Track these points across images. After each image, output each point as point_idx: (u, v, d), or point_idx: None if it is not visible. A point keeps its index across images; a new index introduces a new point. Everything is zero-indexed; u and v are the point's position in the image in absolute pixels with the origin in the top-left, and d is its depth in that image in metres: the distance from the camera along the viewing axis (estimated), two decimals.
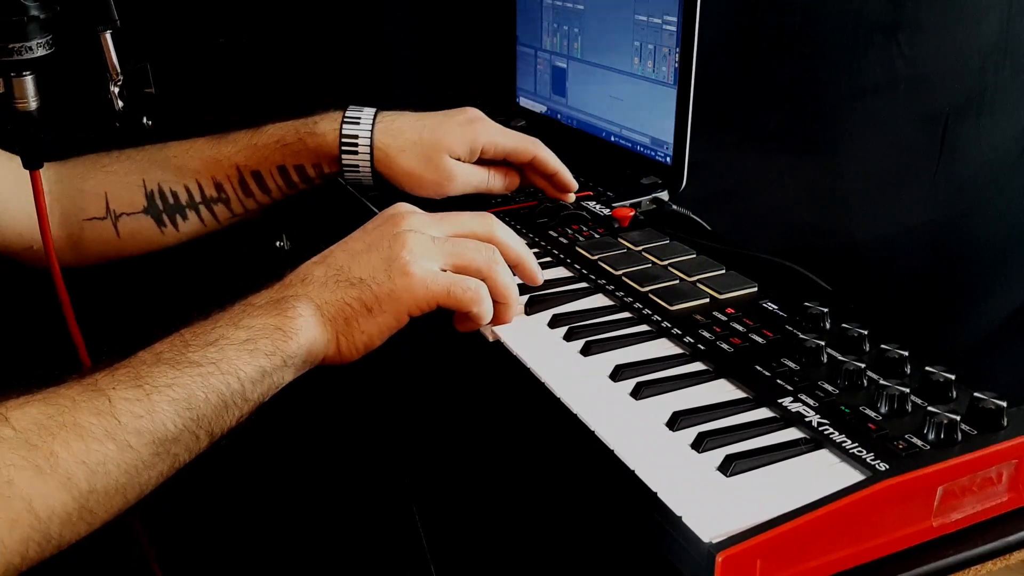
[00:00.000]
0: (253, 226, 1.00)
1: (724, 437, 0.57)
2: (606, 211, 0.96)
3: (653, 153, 1.03)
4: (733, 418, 0.60)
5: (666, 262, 0.82)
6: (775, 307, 0.74)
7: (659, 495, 0.53)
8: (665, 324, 0.72)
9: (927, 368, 0.61)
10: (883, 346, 0.64)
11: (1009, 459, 0.55)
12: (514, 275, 0.74)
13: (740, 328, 0.71)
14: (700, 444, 0.57)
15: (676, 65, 0.96)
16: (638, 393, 0.63)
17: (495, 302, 0.71)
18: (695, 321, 0.72)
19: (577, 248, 0.87)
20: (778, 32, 1.37)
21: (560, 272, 0.84)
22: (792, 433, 0.58)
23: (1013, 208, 1.52)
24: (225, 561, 1.20)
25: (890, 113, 1.41)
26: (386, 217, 0.72)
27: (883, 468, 0.53)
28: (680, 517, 0.51)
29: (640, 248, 0.86)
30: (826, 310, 0.70)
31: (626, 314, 0.75)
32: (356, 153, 0.91)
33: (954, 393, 0.60)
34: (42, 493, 0.53)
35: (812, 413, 0.59)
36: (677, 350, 0.69)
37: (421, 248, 0.68)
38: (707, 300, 0.76)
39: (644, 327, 0.73)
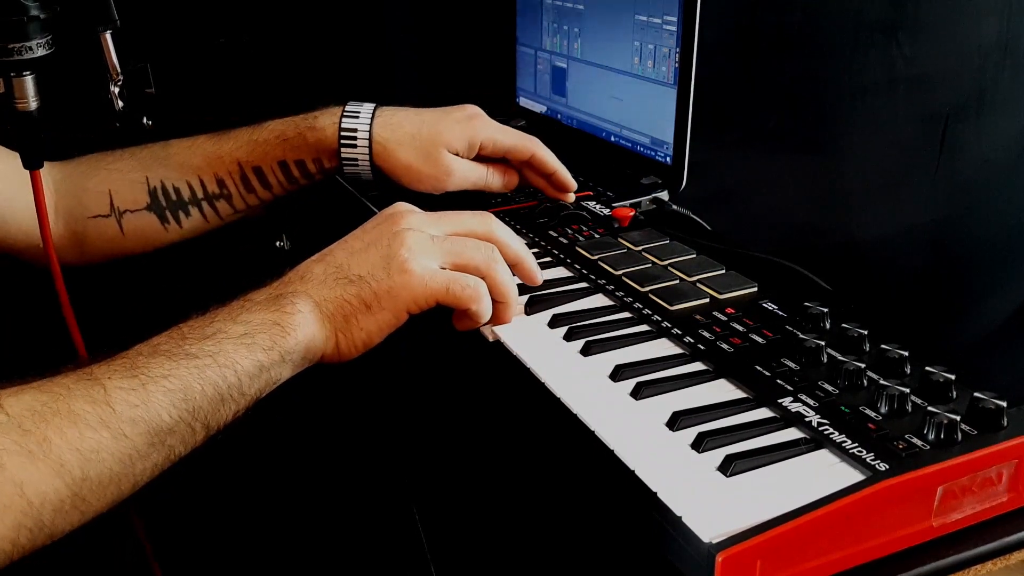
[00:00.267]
0: (253, 225, 1.00)
1: (724, 437, 0.57)
2: (606, 211, 0.96)
3: (653, 153, 1.03)
4: (733, 418, 0.60)
5: (666, 262, 0.82)
6: (775, 307, 0.74)
7: (659, 495, 0.53)
8: (665, 324, 0.72)
9: (927, 368, 0.61)
10: (883, 346, 0.64)
11: (1009, 459, 0.55)
12: (513, 275, 0.74)
13: (740, 328, 0.71)
14: (700, 444, 0.57)
15: (676, 65, 0.96)
16: (638, 393, 0.63)
17: (494, 301, 0.71)
18: (695, 321, 0.72)
19: (577, 248, 0.87)
20: (778, 32, 1.37)
21: (560, 272, 0.84)
22: (792, 433, 0.58)
23: (1013, 208, 1.52)
24: (225, 561, 1.20)
25: (890, 113, 1.41)
26: (385, 216, 0.72)
27: (883, 468, 0.53)
28: (680, 517, 0.51)
29: (640, 248, 0.86)
30: (826, 310, 0.70)
31: (626, 314, 0.75)
32: (355, 147, 0.91)
33: (954, 393, 0.60)
34: (34, 479, 0.53)
35: (812, 413, 0.59)
36: (677, 350, 0.69)
37: (420, 246, 0.69)
38: (707, 300, 0.76)
39: (644, 327, 0.73)
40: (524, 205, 0.97)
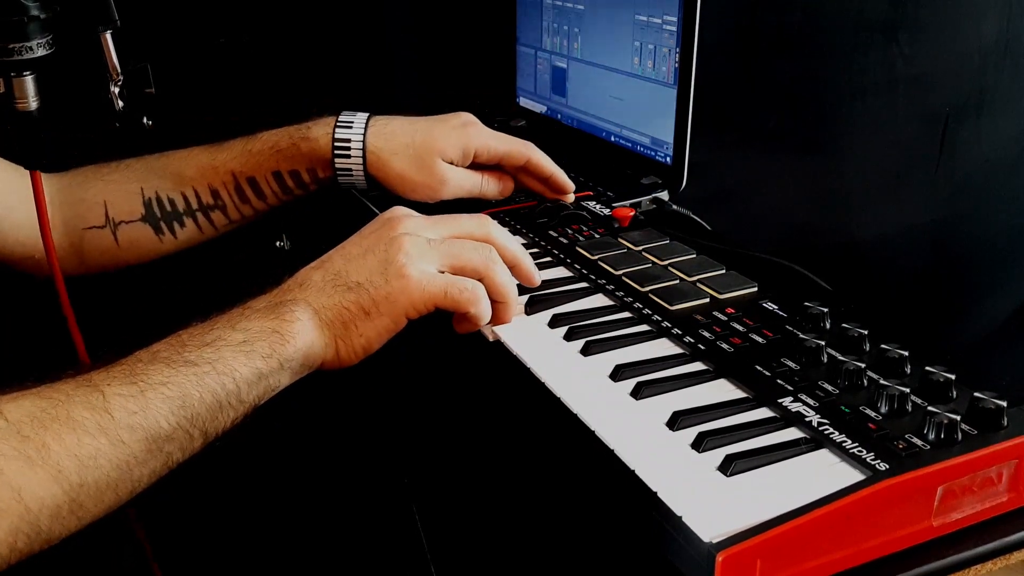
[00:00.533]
0: (253, 227, 1.00)
1: (724, 437, 0.57)
2: (606, 211, 0.96)
3: (653, 153, 1.03)
4: (733, 418, 0.60)
5: (666, 262, 0.82)
6: (775, 307, 0.74)
7: (659, 495, 0.53)
8: (665, 324, 0.72)
9: (927, 368, 0.61)
10: (883, 346, 0.64)
11: (1009, 459, 0.55)
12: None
13: (740, 328, 0.71)
14: (700, 444, 0.57)
15: (676, 65, 0.96)
16: (638, 393, 0.63)
17: (494, 302, 0.72)
18: (695, 321, 0.72)
19: (577, 248, 0.87)
20: (778, 32, 1.37)
21: (560, 272, 0.84)
22: (792, 433, 0.58)
23: (1013, 208, 1.52)
24: (225, 561, 1.20)
25: (890, 113, 1.41)
26: (382, 221, 0.72)
27: (883, 468, 0.53)
28: (680, 517, 0.51)
29: (640, 248, 0.86)
30: (826, 310, 0.70)
31: (626, 314, 0.75)
32: (349, 157, 0.91)
33: (954, 393, 0.60)
34: (32, 484, 0.53)
35: (812, 413, 0.59)
36: (677, 350, 0.69)
37: (417, 250, 0.69)
38: (707, 300, 0.76)
39: (644, 327, 0.73)
40: (524, 205, 0.97)
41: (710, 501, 0.52)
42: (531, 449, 0.81)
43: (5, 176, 0.86)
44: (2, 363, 1.08)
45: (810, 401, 0.60)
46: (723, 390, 0.64)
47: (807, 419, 0.59)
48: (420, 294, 0.68)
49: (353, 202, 0.99)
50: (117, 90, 0.86)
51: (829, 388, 0.62)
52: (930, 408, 0.56)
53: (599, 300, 0.78)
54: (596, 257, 0.84)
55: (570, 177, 0.97)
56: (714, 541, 0.49)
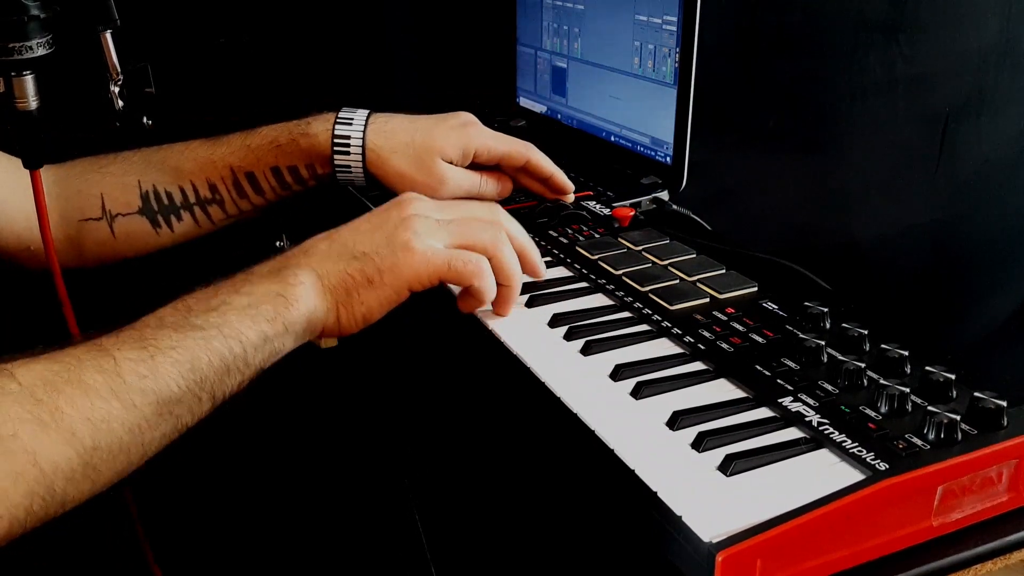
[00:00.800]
0: (253, 226, 1.00)
1: (724, 437, 0.57)
2: (606, 211, 0.96)
3: (653, 153, 1.03)
4: (733, 418, 0.60)
5: (666, 262, 0.82)
6: (775, 307, 0.74)
7: (659, 495, 0.53)
8: (665, 324, 0.72)
9: (927, 368, 0.61)
10: (883, 346, 0.64)
11: (1009, 459, 0.55)
12: None
13: (740, 328, 0.71)
14: (700, 444, 0.57)
15: (676, 65, 0.96)
16: (638, 393, 0.63)
17: (498, 284, 0.72)
18: (695, 321, 0.72)
19: (577, 248, 0.87)
20: (778, 32, 1.37)
21: (560, 272, 0.84)
22: (792, 433, 0.58)
23: (1013, 208, 1.52)
24: (225, 561, 1.20)
25: (890, 113, 1.41)
26: (394, 203, 0.74)
27: (883, 468, 0.53)
28: (680, 517, 0.51)
29: (640, 248, 0.86)
30: (826, 310, 0.70)
31: (626, 314, 0.75)
32: (348, 154, 0.91)
33: (954, 393, 0.60)
34: (46, 447, 0.54)
35: (812, 413, 0.59)
36: (677, 350, 0.69)
37: (426, 228, 0.70)
38: (707, 300, 0.76)
39: (644, 327, 0.73)
40: (524, 205, 0.97)
41: (710, 501, 0.52)
42: (531, 449, 0.81)
43: (1, 170, 0.86)
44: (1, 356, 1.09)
45: (810, 401, 0.60)
46: (723, 390, 0.64)
47: (807, 419, 0.59)
48: (425, 266, 0.69)
49: (353, 202, 0.99)
50: (117, 90, 0.86)
51: (829, 388, 0.62)
52: (930, 408, 0.56)
53: (599, 300, 0.78)
54: (596, 257, 0.84)
55: (570, 177, 0.97)
56: (714, 541, 0.49)
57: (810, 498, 0.51)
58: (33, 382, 0.55)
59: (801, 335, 0.67)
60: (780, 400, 0.61)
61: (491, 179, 0.95)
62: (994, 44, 1.41)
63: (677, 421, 0.59)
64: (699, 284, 0.78)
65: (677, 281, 0.79)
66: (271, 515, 1.23)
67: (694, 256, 0.84)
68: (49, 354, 0.58)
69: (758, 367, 0.65)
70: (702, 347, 0.68)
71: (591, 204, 0.98)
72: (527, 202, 0.98)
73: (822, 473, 0.54)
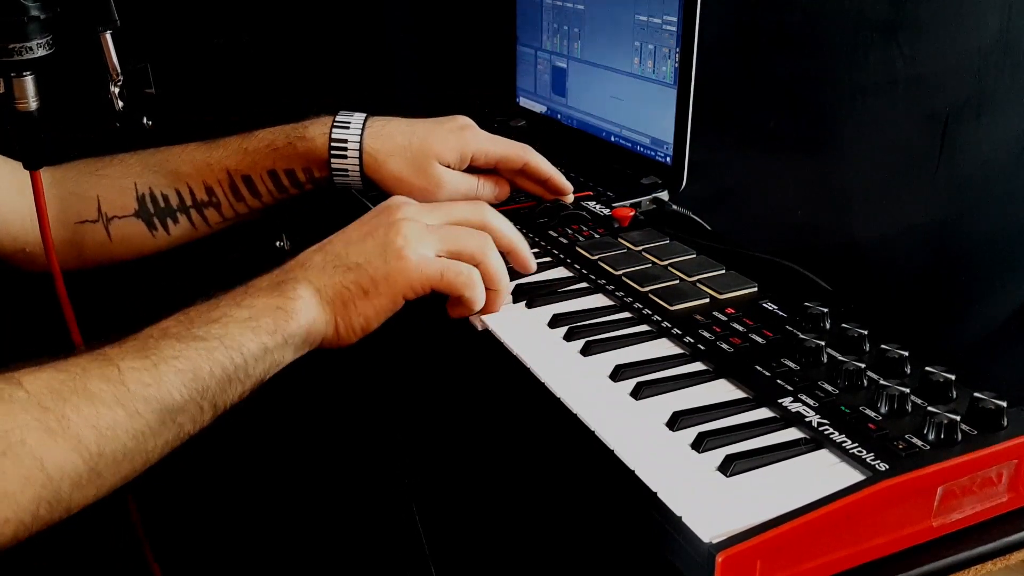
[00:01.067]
0: (253, 227, 1.00)
1: (724, 437, 0.57)
2: (606, 211, 0.96)
3: (653, 153, 1.03)
4: (733, 418, 0.60)
5: (666, 262, 0.82)
6: (775, 307, 0.74)
7: (659, 495, 0.53)
8: (665, 324, 0.72)
9: (927, 368, 0.61)
10: (883, 346, 0.64)
11: (1009, 459, 0.55)
12: (507, 263, 0.76)
13: (740, 328, 0.71)
14: (700, 444, 0.57)
15: (676, 65, 0.96)
16: (638, 393, 0.63)
17: (487, 288, 0.73)
18: (695, 321, 0.72)
19: (577, 248, 0.87)
20: (778, 32, 1.37)
21: (560, 272, 0.84)
22: (792, 433, 0.58)
23: (1013, 208, 1.52)
24: (225, 560, 1.20)
25: (890, 113, 1.41)
26: (382, 208, 0.74)
27: (883, 468, 0.53)
28: (680, 517, 0.51)
29: (640, 248, 0.86)
30: (826, 310, 0.70)
31: (626, 314, 0.75)
32: (345, 157, 0.91)
33: (954, 393, 0.60)
34: (53, 453, 0.55)
35: (812, 413, 0.59)
36: (677, 350, 0.69)
37: (416, 235, 0.71)
38: (707, 300, 0.76)
39: (644, 327, 0.73)
40: (524, 205, 0.97)
41: (710, 501, 0.52)
42: (531, 449, 0.81)
43: None
44: (2, 357, 1.09)
45: (810, 401, 0.60)
46: (723, 390, 0.64)
47: (807, 419, 0.59)
48: (418, 275, 0.70)
49: (352, 202, 0.99)
50: (117, 90, 0.86)
51: (829, 388, 0.62)
52: (930, 408, 0.56)
53: (599, 300, 0.78)
54: (596, 257, 0.84)
55: (570, 177, 0.97)
56: (714, 541, 0.49)
57: (810, 498, 0.51)
58: (40, 390, 0.56)
59: (801, 335, 0.67)
60: (780, 400, 0.61)
61: (488, 182, 0.95)
62: (994, 44, 1.41)
63: (677, 421, 0.59)
64: (699, 284, 0.78)
65: (677, 281, 0.79)
66: (271, 515, 1.23)
67: (694, 256, 0.84)
68: (54, 363, 0.59)
69: (758, 367, 0.65)
70: (702, 347, 0.68)
71: (591, 204, 0.98)
72: (526, 202, 0.98)
73: (822, 473, 0.54)
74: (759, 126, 1.40)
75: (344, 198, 1.00)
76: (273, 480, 1.23)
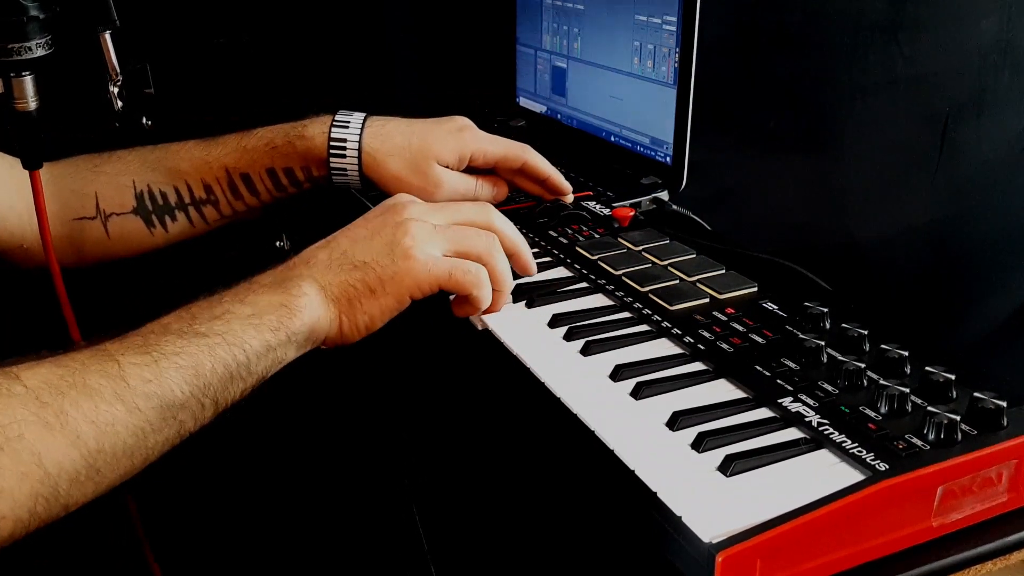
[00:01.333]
0: (253, 226, 1.00)
1: (724, 437, 0.57)
2: (606, 211, 0.96)
3: (653, 153, 1.03)
4: (733, 418, 0.60)
5: (666, 262, 0.82)
6: (775, 307, 0.74)
7: (659, 495, 0.53)
8: (665, 324, 0.72)
9: (927, 368, 0.61)
10: (883, 346, 0.64)
11: (1009, 459, 0.55)
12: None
13: (740, 328, 0.71)
14: (700, 444, 0.57)
15: (676, 65, 0.96)
16: (638, 393, 0.63)
17: (492, 289, 0.73)
18: (695, 321, 0.72)
19: (577, 248, 0.87)
20: (778, 32, 1.37)
21: (560, 272, 0.84)
22: (792, 433, 0.58)
23: (1013, 208, 1.52)
24: (225, 560, 1.20)
25: (890, 113, 1.41)
26: (387, 207, 0.74)
27: (883, 468, 0.53)
28: (680, 517, 0.51)
29: (640, 248, 0.86)
30: (826, 310, 0.70)
31: (626, 314, 0.75)
32: (344, 157, 0.91)
33: (954, 393, 0.60)
34: (51, 449, 0.54)
35: (812, 413, 0.59)
36: (677, 350, 0.69)
37: (423, 234, 0.71)
38: (707, 300, 0.76)
39: (644, 327, 0.73)
40: (524, 205, 0.97)
41: (710, 501, 0.52)
42: (531, 449, 0.81)
43: None
44: (1, 356, 1.09)
45: (810, 401, 0.60)
46: (723, 390, 0.64)
47: (807, 419, 0.59)
48: (426, 275, 0.69)
49: (353, 202, 0.99)
50: (116, 90, 0.85)
51: (829, 388, 0.62)
52: (930, 408, 0.56)
53: (599, 300, 0.78)
54: (596, 257, 0.84)
55: (570, 177, 0.97)
56: (714, 541, 0.49)
57: (810, 498, 0.51)
58: (38, 385, 0.56)
59: (801, 335, 0.67)
60: (780, 400, 0.61)
61: (486, 183, 0.95)
62: (994, 44, 1.40)
63: (677, 421, 0.59)
64: (699, 284, 0.78)
65: (677, 281, 0.79)
66: (271, 515, 1.23)
67: (694, 256, 0.84)
68: (54, 358, 0.58)
69: (758, 367, 0.65)
70: (702, 347, 0.68)
71: (591, 204, 0.98)
72: (526, 202, 0.98)
73: (822, 473, 0.54)
74: (759, 126, 1.40)
75: (344, 198, 1.00)
76: (273, 479, 1.23)
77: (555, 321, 0.74)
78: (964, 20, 1.39)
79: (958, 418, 0.55)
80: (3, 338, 1.14)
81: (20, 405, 0.54)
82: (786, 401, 0.61)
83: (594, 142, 1.14)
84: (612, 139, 1.11)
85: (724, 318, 0.72)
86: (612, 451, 0.57)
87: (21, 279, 0.91)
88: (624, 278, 0.80)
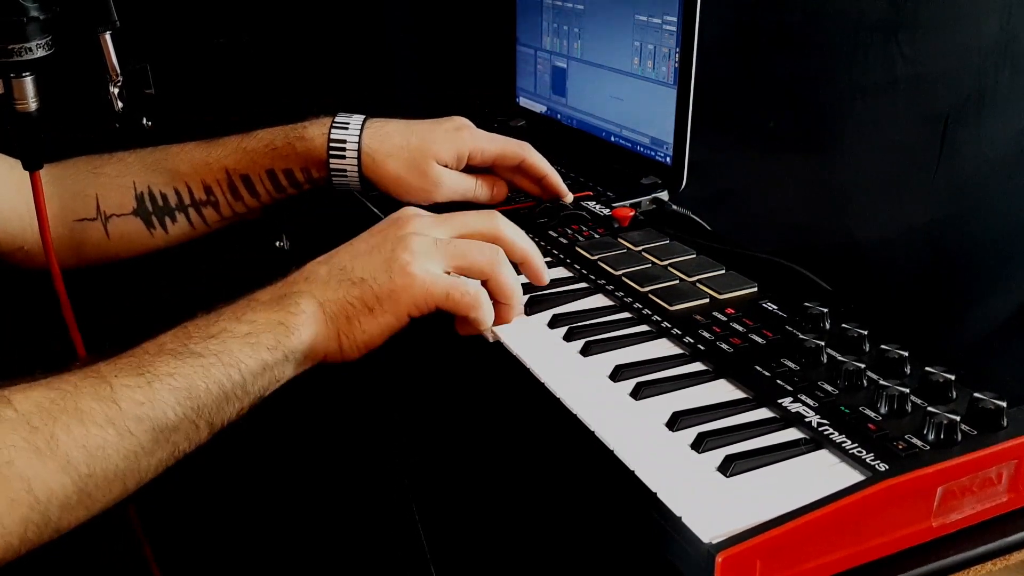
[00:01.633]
0: (253, 226, 1.00)
1: (724, 437, 0.57)
2: (606, 211, 0.96)
3: (653, 153, 1.03)
4: (733, 418, 0.60)
5: (666, 262, 0.82)
6: (775, 307, 0.74)
7: (659, 495, 0.53)
8: (665, 324, 0.72)
9: (927, 368, 0.61)
10: (883, 346, 0.64)
11: (1009, 459, 0.55)
12: (520, 273, 0.74)
13: (740, 328, 0.71)
14: (700, 444, 0.57)
15: (676, 65, 0.96)
16: (638, 393, 0.63)
17: (497, 302, 0.72)
18: (695, 321, 0.72)
19: (577, 248, 0.87)
20: (778, 32, 1.37)
21: (560, 272, 0.84)
22: (792, 433, 0.58)
23: (1013, 208, 1.52)
24: (225, 561, 1.20)
25: (890, 113, 1.41)
26: (391, 220, 0.73)
27: (883, 468, 0.53)
28: (680, 517, 0.51)
29: (640, 248, 0.86)
30: (826, 310, 0.70)
31: (626, 314, 0.75)
32: (344, 158, 0.92)
33: (954, 393, 0.60)
34: (41, 475, 0.54)
35: (812, 413, 0.59)
36: (677, 350, 0.69)
37: (423, 250, 0.69)
38: (707, 300, 0.76)
39: (644, 327, 0.73)
40: (524, 205, 0.97)
41: (710, 501, 0.52)
42: (531, 449, 0.81)
43: None
44: (2, 356, 1.08)
45: (810, 401, 0.60)
46: (723, 390, 0.64)
47: (807, 419, 0.59)
48: (423, 293, 0.68)
49: (353, 202, 0.99)
50: (116, 91, 0.85)
51: (829, 388, 0.62)
52: (930, 408, 0.56)
53: (599, 300, 0.78)
54: (596, 257, 0.84)
55: (570, 177, 0.97)
56: (714, 542, 0.49)
57: (810, 499, 0.51)
58: (30, 409, 0.55)
59: (801, 335, 0.67)
60: (780, 401, 0.61)
61: (485, 183, 0.95)
62: (994, 44, 1.40)
63: (677, 422, 0.59)
64: (699, 284, 0.78)
65: (677, 281, 0.79)
66: (271, 515, 1.23)
67: (694, 256, 0.84)
68: (47, 380, 0.58)
69: (758, 368, 0.65)
70: (702, 348, 0.68)
71: (591, 204, 0.98)
72: (525, 202, 0.98)
73: (822, 474, 0.54)
74: (759, 126, 1.40)
75: (344, 198, 1.00)
76: (273, 480, 1.23)
77: (555, 321, 0.74)
78: (964, 20, 1.39)
79: (958, 418, 0.55)
80: (3, 338, 1.14)
81: (10, 430, 0.54)
82: (786, 401, 0.61)
83: (594, 142, 1.14)
84: (612, 139, 1.11)
85: (724, 318, 0.72)
86: (612, 451, 0.57)
87: (21, 280, 0.91)
88: (624, 278, 0.80)
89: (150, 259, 0.97)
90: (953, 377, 0.60)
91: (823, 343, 0.65)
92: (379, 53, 1.36)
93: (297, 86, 1.28)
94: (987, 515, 0.55)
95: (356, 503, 1.17)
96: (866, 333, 0.66)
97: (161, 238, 0.95)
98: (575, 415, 0.62)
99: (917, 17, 1.37)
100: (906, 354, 0.63)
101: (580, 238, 0.90)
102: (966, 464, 0.54)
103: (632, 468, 0.55)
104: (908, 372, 0.63)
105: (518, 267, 0.74)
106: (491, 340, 0.73)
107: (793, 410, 0.60)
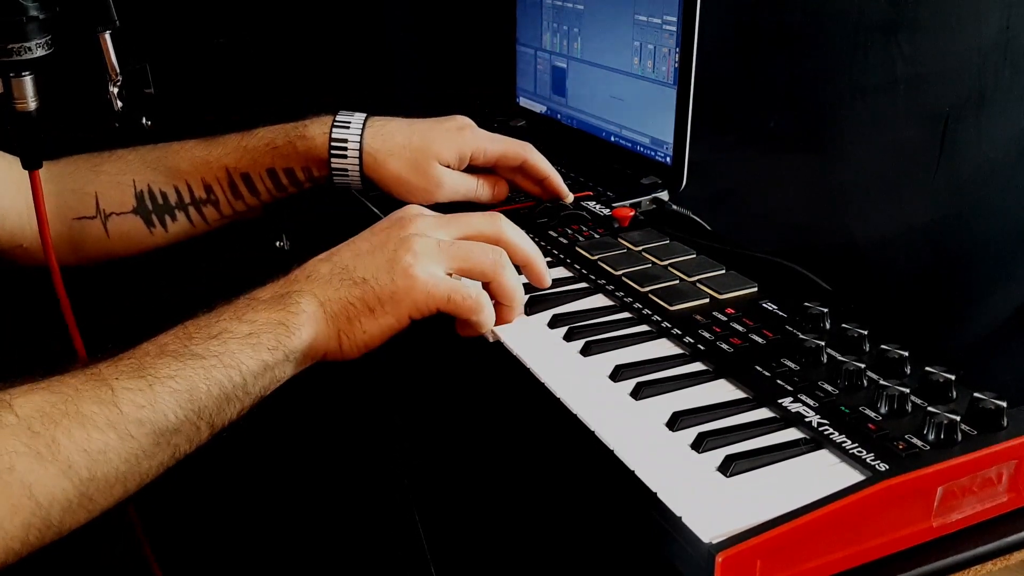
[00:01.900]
0: (253, 226, 1.00)
1: (724, 437, 0.57)
2: (606, 211, 0.96)
3: (653, 153, 1.03)
4: (733, 418, 0.60)
5: (666, 262, 0.82)
6: (775, 307, 0.74)
7: (659, 495, 0.53)
8: (665, 324, 0.72)
9: (927, 368, 0.61)
10: (883, 346, 0.64)
11: (1009, 459, 0.55)
12: (521, 275, 0.74)
13: (740, 328, 0.71)
14: (700, 444, 0.57)
15: (676, 65, 0.96)
16: (638, 393, 0.63)
17: (499, 304, 0.72)
18: (695, 321, 0.72)
19: (577, 248, 0.87)
20: (778, 32, 1.37)
21: (560, 272, 0.84)
22: (792, 433, 0.58)
23: (1013, 208, 1.52)
24: (225, 561, 1.20)
25: (890, 113, 1.41)
26: (394, 220, 0.72)
27: (883, 468, 0.53)
28: (680, 517, 0.51)
29: (640, 248, 0.86)
30: (826, 310, 0.70)
31: (626, 314, 0.75)
32: (345, 157, 0.91)
33: (954, 393, 0.60)
34: (43, 480, 0.54)
35: (812, 413, 0.59)
36: (677, 350, 0.69)
37: (426, 251, 0.69)
38: (707, 300, 0.76)
39: (644, 327, 0.73)
40: (523, 205, 0.97)
41: (710, 501, 0.52)
42: (531, 450, 0.81)
43: None
44: (2, 356, 1.08)
45: (810, 401, 0.60)
46: (723, 390, 0.64)
47: (807, 419, 0.59)
48: (424, 296, 0.68)
49: (353, 202, 0.99)
50: (116, 90, 0.85)
51: (829, 388, 0.62)
52: (930, 408, 0.56)
53: (599, 300, 0.78)
54: (596, 257, 0.84)
55: (570, 177, 0.97)
56: (714, 542, 0.49)
57: (810, 499, 0.51)
58: (30, 414, 0.55)
59: (801, 335, 0.67)
60: (780, 400, 0.61)
61: (487, 183, 0.95)
62: (994, 44, 1.41)
63: (677, 422, 0.59)
64: (699, 284, 0.78)
65: (677, 281, 0.79)
66: (271, 515, 1.23)
67: (694, 256, 0.84)
68: (47, 383, 0.58)
69: (758, 367, 0.65)
70: (702, 348, 0.68)
71: (591, 204, 0.98)
72: (526, 202, 0.98)
73: (822, 474, 0.54)
74: (759, 126, 1.40)
75: (344, 197, 1.00)
76: (273, 480, 1.23)
77: (555, 321, 0.74)
78: (964, 20, 1.39)
79: (958, 418, 0.55)
80: (3, 338, 1.14)
81: (11, 436, 0.54)
82: (786, 401, 0.61)
83: (594, 142, 1.14)
84: (612, 139, 1.11)
85: (724, 318, 0.72)
86: (612, 451, 0.57)
87: (21, 278, 0.91)
88: (624, 278, 0.80)
89: (150, 258, 0.97)
90: (953, 377, 0.60)
91: (823, 343, 0.65)
92: (379, 53, 1.36)
93: (297, 86, 1.28)
94: (987, 515, 0.55)
95: (356, 503, 1.17)
96: (866, 333, 0.66)
97: (161, 237, 0.95)
98: (575, 415, 0.62)
99: (917, 17, 1.37)
100: (906, 354, 0.63)
101: (580, 238, 0.90)
102: (966, 464, 0.54)
103: (632, 468, 0.55)
104: (908, 372, 0.63)
105: (521, 270, 0.74)
106: (491, 340, 0.73)
107: (793, 410, 0.60)
